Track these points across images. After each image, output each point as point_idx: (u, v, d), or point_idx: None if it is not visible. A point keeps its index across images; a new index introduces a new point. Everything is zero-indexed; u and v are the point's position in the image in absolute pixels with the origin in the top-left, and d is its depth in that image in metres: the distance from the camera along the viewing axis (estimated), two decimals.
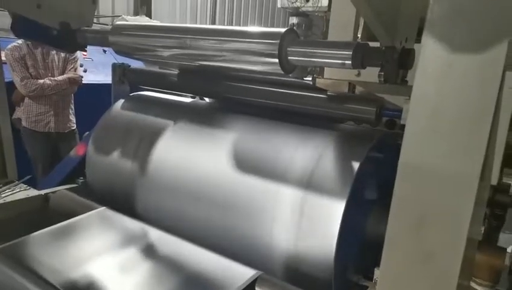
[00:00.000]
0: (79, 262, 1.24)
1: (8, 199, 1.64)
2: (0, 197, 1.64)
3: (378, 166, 1.30)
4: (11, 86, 3.55)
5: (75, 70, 4.02)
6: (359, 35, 1.62)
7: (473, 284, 1.14)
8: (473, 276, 1.16)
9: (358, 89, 1.60)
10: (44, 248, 1.30)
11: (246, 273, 1.16)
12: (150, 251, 1.33)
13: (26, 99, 3.81)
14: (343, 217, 1.15)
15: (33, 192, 1.72)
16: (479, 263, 1.12)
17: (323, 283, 1.19)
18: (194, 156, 1.52)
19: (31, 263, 1.19)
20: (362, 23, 1.66)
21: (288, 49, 1.07)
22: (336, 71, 1.46)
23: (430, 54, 0.59)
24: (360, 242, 1.28)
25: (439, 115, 0.60)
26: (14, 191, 1.72)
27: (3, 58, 3.49)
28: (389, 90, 1.27)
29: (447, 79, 0.59)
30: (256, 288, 1.13)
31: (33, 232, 1.35)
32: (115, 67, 2.06)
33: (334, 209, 1.18)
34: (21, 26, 1.69)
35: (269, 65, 1.13)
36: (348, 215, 1.16)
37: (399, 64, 0.94)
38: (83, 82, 4.10)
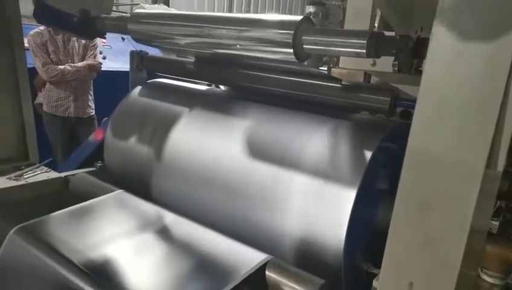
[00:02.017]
0: (96, 242, 1.29)
1: (30, 180, 1.70)
2: (22, 179, 1.71)
3: (390, 156, 1.31)
4: (33, 71, 3.64)
5: (95, 57, 4.09)
6: (376, 25, 1.61)
7: (483, 276, 1.14)
8: (484, 268, 1.16)
9: (374, 79, 1.60)
10: (63, 227, 1.36)
11: (257, 257, 1.18)
12: (163, 233, 1.37)
13: (47, 85, 3.90)
14: (354, 205, 1.17)
15: (53, 174, 1.78)
16: (490, 255, 1.12)
17: (332, 269, 1.21)
18: (208, 142, 1.55)
19: (50, 241, 1.24)
20: (379, 13, 1.64)
21: (303, 37, 1.08)
22: (351, 61, 1.46)
23: (440, 42, 0.60)
24: (370, 231, 1.29)
25: (447, 102, 0.61)
26: (36, 173, 1.78)
27: (25, 44, 3.57)
28: (403, 80, 1.27)
29: (456, 67, 0.59)
30: (266, 272, 1.16)
31: (53, 212, 1.40)
32: (133, 55, 2.09)
33: (345, 198, 1.19)
34: (43, 13, 1.74)
35: (284, 53, 1.14)
36: (358, 204, 1.17)
37: (413, 53, 0.94)
38: (102, 69, 4.17)
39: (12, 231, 1.26)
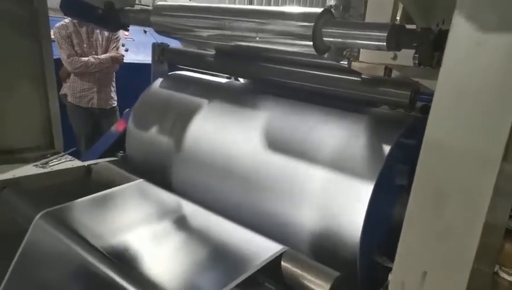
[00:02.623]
0: (117, 228, 1.33)
1: (55, 168, 1.76)
2: (48, 166, 1.77)
3: (409, 151, 1.30)
4: (58, 62, 3.74)
5: (117, 49, 4.16)
6: (398, 18, 1.59)
7: (502, 274, 1.13)
8: (502, 266, 1.15)
9: (395, 74, 1.58)
10: (86, 213, 1.40)
11: (273, 247, 1.20)
12: (182, 222, 1.40)
13: (72, 76, 4.00)
14: (371, 199, 1.17)
15: (77, 163, 1.84)
16: (509, 253, 1.11)
17: (348, 262, 1.21)
18: (226, 134, 1.57)
19: (74, 226, 1.29)
20: (401, 6, 1.62)
21: (323, 30, 1.08)
22: (371, 54, 1.44)
23: (459, 32, 0.59)
24: (387, 225, 1.29)
25: (465, 93, 0.60)
26: (60, 161, 1.84)
27: (51, 36, 3.67)
28: (425, 75, 1.25)
29: (475, 58, 0.59)
30: (282, 262, 1.18)
31: (76, 199, 1.45)
32: (155, 47, 2.13)
33: (363, 191, 1.19)
34: (69, 6, 1.79)
35: (303, 46, 1.14)
36: (375, 198, 1.17)
37: (434, 46, 0.92)
38: (124, 61, 4.25)
39: (38, 215, 1.32)
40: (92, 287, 1.15)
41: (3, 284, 1.29)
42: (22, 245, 1.30)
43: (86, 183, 1.76)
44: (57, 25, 3.85)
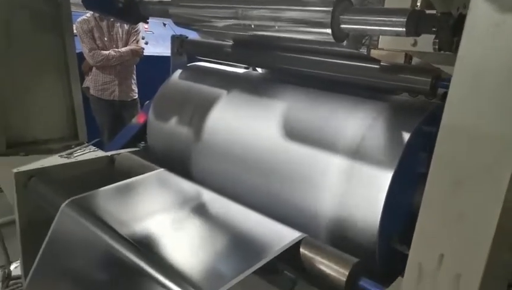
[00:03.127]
0: (139, 216, 1.37)
1: (79, 158, 1.81)
2: (72, 156, 1.82)
3: (429, 139, 1.28)
4: (80, 56, 3.83)
5: (137, 42, 4.23)
6: (418, 4, 1.56)
7: None
8: None
9: (415, 60, 1.56)
10: (110, 201, 1.45)
11: (292, 234, 1.21)
12: (202, 210, 1.42)
13: (94, 69, 4.09)
14: (390, 187, 1.16)
15: (100, 153, 1.88)
16: None
17: (367, 250, 1.21)
18: (245, 124, 1.58)
19: (98, 213, 1.33)
20: None
21: (341, 16, 1.07)
22: (391, 41, 1.43)
23: (478, 13, 0.58)
24: (406, 213, 1.28)
25: (484, 75, 0.59)
26: (84, 152, 1.89)
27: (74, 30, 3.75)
28: (445, 60, 1.23)
29: (494, 39, 0.57)
30: (300, 249, 1.19)
31: (100, 187, 1.50)
32: (174, 39, 2.15)
33: (382, 179, 1.18)
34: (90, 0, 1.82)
35: (321, 34, 1.14)
36: (394, 186, 1.17)
37: (454, 30, 0.91)
38: (144, 54, 4.30)
39: (64, 203, 1.36)
40: (116, 272, 1.20)
41: (33, 268, 1.35)
42: (50, 232, 1.35)
43: (109, 172, 1.81)
44: (79, 19, 3.93)
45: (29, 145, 1.91)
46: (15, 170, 1.59)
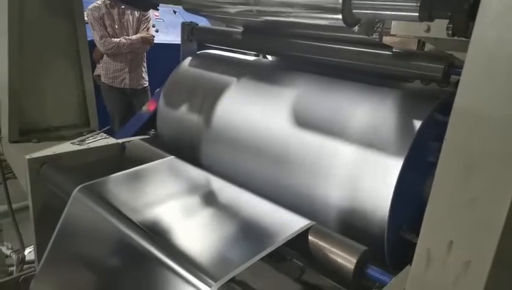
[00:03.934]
0: (150, 202, 1.38)
1: (91, 145, 1.83)
2: (84, 143, 1.85)
3: (441, 127, 1.26)
4: (91, 44, 3.84)
5: (148, 30, 4.22)
6: None
7: None
8: None
9: (428, 47, 1.53)
10: (121, 188, 1.47)
11: (300, 222, 1.21)
12: (211, 198, 1.43)
13: (105, 57, 4.11)
14: (400, 175, 1.15)
15: (112, 140, 1.90)
16: None
17: (376, 238, 1.21)
18: (255, 111, 1.58)
19: (109, 199, 1.35)
20: None
21: (352, 1, 1.05)
22: (403, 27, 1.40)
23: None
24: (416, 202, 1.27)
25: (497, 59, 0.58)
26: (96, 139, 1.91)
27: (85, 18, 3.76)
28: (460, 47, 1.20)
29: (507, 23, 0.56)
30: (309, 237, 1.19)
31: (111, 174, 1.51)
32: (184, 26, 2.14)
33: (392, 167, 1.17)
34: None
35: (332, 19, 1.12)
36: (404, 174, 1.16)
37: (469, 15, 0.88)
38: (155, 42, 4.30)
39: (76, 189, 1.39)
40: (127, 257, 1.22)
41: (46, 252, 1.38)
42: (62, 217, 1.38)
43: (120, 159, 1.83)
44: (90, 6, 3.93)
45: (41, 133, 1.94)
46: (28, 157, 1.62)
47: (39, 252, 1.67)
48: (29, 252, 2.33)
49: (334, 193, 1.29)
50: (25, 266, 2.24)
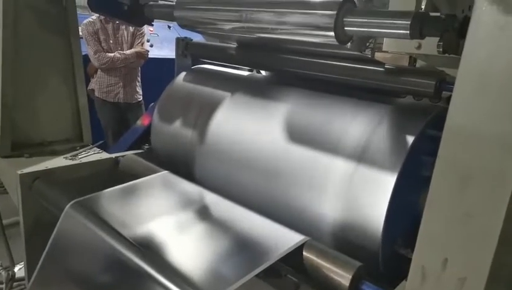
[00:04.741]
0: (143, 217, 1.37)
1: (84, 160, 1.82)
2: (77, 158, 1.83)
3: (433, 142, 1.27)
4: (86, 59, 3.85)
5: (142, 44, 4.25)
6: (423, 6, 1.55)
7: None
8: None
9: (420, 64, 1.55)
10: (114, 203, 1.45)
11: (295, 238, 1.21)
12: (205, 213, 1.42)
13: (99, 72, 4.11)
14: (394, 190, 1.16)
15: (105, 155, 1.89)
16: None
17: (370, 253, 1.21)
18: (249, 126, 1.58)
19: (102, 215, 1.33)
20: None
21: (344, 19, 1.07)
22: (395, 44, 1.42)
23: (482, 16, 0.58)
24: (411, 217, 1.27)
25: (488, 76, 0.59)
26: (89, 154, 1.90)
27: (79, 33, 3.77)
28: (451, 64, 1.22)
29: (498, 41, 0.57)
30: (304, 253, 1.18)
31: (104, 189, 1.50)
32: (179, 41, 2.16)
33: (385, 182, 1.18)
34: (96, 2, 1.84)
35: (324, 36, 1.14)
36: (398, 189, 1.16)
37: (459, 33, 0.90)
38: (149, 56, 4.32)
39: (68, 205, 1.37)
40: (119, 274, 1.20)
41: (37, 269, 1.35)
42: (54, 233, 1.36)
43: (114, 174, 1.81)
44: (85, 21, 3.95)
45: (34, 147, 1.92)
46: (19, 172, 1.60)
47: (29, 269, 1.64)
48: (19, 269, 2.28)
49: (328, 208, 1.29)
50: (15, 284, 2.19)
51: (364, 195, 1.22)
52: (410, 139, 1.20)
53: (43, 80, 1.95)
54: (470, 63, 0.62)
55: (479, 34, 0.60)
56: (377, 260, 1.20)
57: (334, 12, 1.09)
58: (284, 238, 1.21)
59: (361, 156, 1.26)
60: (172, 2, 1.73)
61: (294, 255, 1.16)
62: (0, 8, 1.72)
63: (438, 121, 1.24)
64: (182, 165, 1.79)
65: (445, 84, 1.25)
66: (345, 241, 1.26)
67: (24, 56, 1.86)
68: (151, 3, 1.86)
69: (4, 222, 2.10)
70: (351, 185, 1.26)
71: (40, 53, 1.91)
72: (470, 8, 0.97)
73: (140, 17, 1.87)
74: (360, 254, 1.18)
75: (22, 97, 1.88)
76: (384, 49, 1.46)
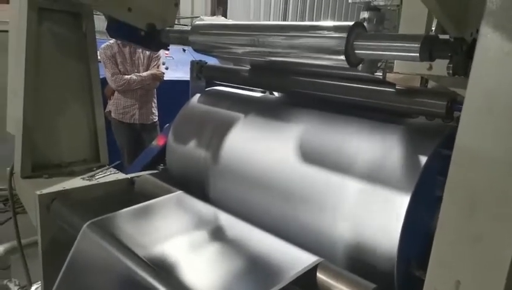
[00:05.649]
0: (158, 238, 1.39)
1: (101, 180, 1.85)
2: (94, 179, 1.87)
3: (446, 162, 1.27)
4: (103, 81, 3.95)
5: (158, 67, 4.35)
6: (433, 29, 1.56)
7: None
8: None
9: (431, 84, 1.56)
10: (129, 223, 1.47)
11: (308, 259, 1.20)
12: (218, 233, 1.43)
13: (116, 93, 4.21)
14: (408, 211, 1.15)
15: (121, 175, 1.92)
16: None
17: (385, 275, 1.19)
18: (262, 147, 1.61)
19: (118, 235, 1.35)
20: None
21: (355, 43, 1.10)
22: (406, 65, 1.43)
23: (487, 42, 0.60)
24: (424, 237, 1.26)
25: (496, 101, 0.60)
26: (106, 174, 1.94)
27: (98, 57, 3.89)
28: (462, 84, 1.23)
29: (504, 67, 0.59)
30: (317, 274, 1.18)
31: (120, 209, 1.53)
32: (193, 64, 2.21)
33: (399, 203, 1.18)
34: (114, 28, 1.91)
35: (336, 60, 1.16)
36: (412, 210, 1.16)
37: (468, 55, 0.92)
38: (165, 78, 4.42)
39: (85, 225, 1.40)
40: None
41: (54, 288, 1.37)
42: (71, 253, 1.38)
43: (129, 194, 1.84)
44: (103, 45, 4.08)
45: (53, 168, 1.97)
46: (38, 192, 1.64)
47: (46, 288, 1.66)
48: (36, 289, 2.31)
49: (342, 228, 1.29)
50: None
51: (378, 216, 1.22)
52: (423, 159, 1.20)
53: (63, 103, 2.01)
54: (477, 87, 0.64)
55: (485, 60, 0.61)
56: (391, 281, 1.19)
57: (345, 35, 1.12)
58: (297, 260, 1.21)
59: (374, 176, 1.26)
60: (187, 26, 1.78)
61: (308, 277, 1.15)
62: (24, 33, 1.80)
63: (451, 140, 1.24)
64: (196, 185, 1.81)
65: (456, 104, 1.25)
66: (359, 262, 1.25)
67: (45, 79, 1.93)
68: (168, 28, 1.92)
69: (22, 241, 2.14)
70: (364, 205, 1.26)
71: (60, 76, 1.98)
72: (478, 31, 0.98)
73: (156, 42, 1.94)
74: (375, 276, 1.17)
75: (42, 119, 1.94)
76: (395, 70, 1.47)
